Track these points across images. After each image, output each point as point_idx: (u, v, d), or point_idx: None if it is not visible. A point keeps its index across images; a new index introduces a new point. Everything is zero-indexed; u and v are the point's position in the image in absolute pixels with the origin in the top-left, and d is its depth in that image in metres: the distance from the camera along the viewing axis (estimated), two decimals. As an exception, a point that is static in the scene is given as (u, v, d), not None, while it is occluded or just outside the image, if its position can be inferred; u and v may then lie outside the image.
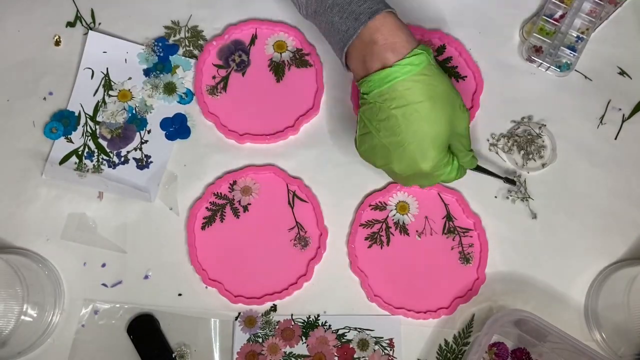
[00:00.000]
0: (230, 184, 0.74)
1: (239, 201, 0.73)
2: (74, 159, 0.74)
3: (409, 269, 0.72)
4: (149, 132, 0.75)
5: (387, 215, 0.74)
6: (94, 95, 0.76)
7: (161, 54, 0.77)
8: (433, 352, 0.70)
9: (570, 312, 0.72)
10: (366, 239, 0.73)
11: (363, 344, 0.70)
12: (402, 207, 0.74)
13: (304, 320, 0.70)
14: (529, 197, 0.72)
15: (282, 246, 0.72)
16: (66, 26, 0.78)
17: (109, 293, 0.71)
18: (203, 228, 0.73)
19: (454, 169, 0.63)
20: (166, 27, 0.78)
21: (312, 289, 0.72)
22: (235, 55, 0.77)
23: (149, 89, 0.76)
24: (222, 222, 0.73)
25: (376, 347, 0.70)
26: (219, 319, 0.70)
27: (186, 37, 0.78)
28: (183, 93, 0.76)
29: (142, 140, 0.75)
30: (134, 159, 0.74)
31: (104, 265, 0.72)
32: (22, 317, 0.64)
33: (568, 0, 0.78)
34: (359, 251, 0.72)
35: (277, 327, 0.70)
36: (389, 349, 0.70)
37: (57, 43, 0.78)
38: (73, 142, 0.74)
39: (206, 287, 0.71)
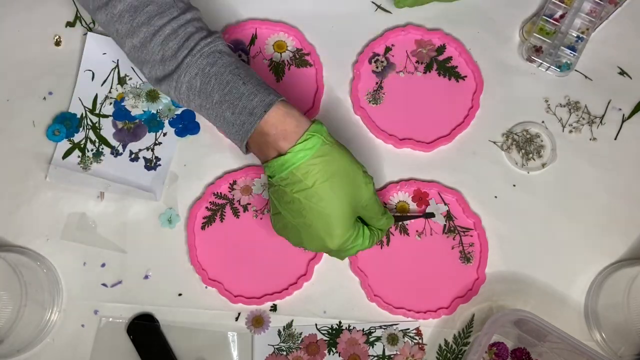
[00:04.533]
0: (230, 183, 0.74)
1: (239, 201, 0.73)
2: (77, 152, 0.74)
3: (409, 269, 0.72)
4: (164, 134, 0.75)
5: (387, 215, 0.74)
6: (102, 85, 0.76)
7: None
8: (433, 352, 0.70)
9: (570, 312, 0.72)
10: (366, 238, 0.73)
11: (393, 339, 0.70)
12: (402, 207, 0.74)
13: (328, 330, 0.70)
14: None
15: (282, 246, 0.72)
16: (66, 26, 0.78)
17: (108, 293, 0.71)
18: (203, 228, 0.73)
19: (365, 238, 0.64)
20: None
21: (312, 289, 0.72)
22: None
23: (132, 99, 0.75)
24: (222, 222, 0.73)
25: (405, 340, 0.70)
26: (236, 332, 0.70)
27: None
28: None
29: (156, 142, 0.75)
30: (144, 158, 0.74)
31: (103, 265, 0.72)
32: (21, 315, 0.64)
33: (568, 0, 0.78)
34: (358, 251, 0.72)
35: (302, 341, 0.70)
36: (417, 337, 0.70)
37: (58, 43, 0.78)
38: (76, 144, 0.75)
39: (206, 287, 0.71)
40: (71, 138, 0.74)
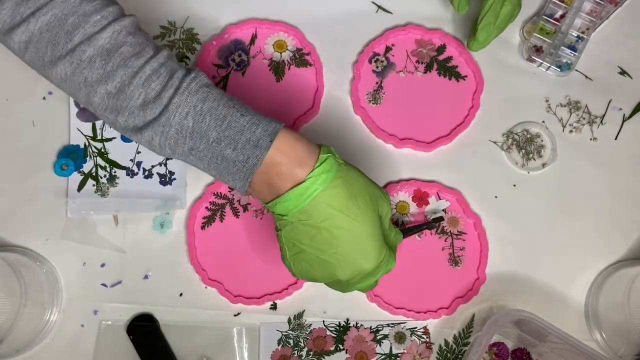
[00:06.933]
0: (230, 183, 0.74)
1: (239, 201, 0.73)
2: (91, 181, 0.73)
3: (408, 269, 0.72)
4: None
5: (387, 215, 0.74)
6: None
7: None
8: (433, 352, 0.70)
9: (570, 312, 0.72)
10: (366, 238, 0.73)
11: (400, 337, 0.70)
12: (402, 207, 0.74)
13: (336, 327, 0.70)
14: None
15: (282, 246, 0.72)
16: None
17: (108, 293, 0.71)
18: (203, 228, 0.73)
19: (392, 258, 0.59)
20: (162, 27, 0.78)
21: (312, 289, 0.71)
22: (235, 55, 0.78)
23: None
24: (222, 222, 0.73)
25: (413, 338, 0.70)
26: (244, 327, 0.70)
27: (181, 39, 0.78)
28: None
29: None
30: (158, 174, 0.74)
31: (103, 265, 0.72)
32: (20, 315, 0.64)
33: (568, 0, 0.78)
34: (359, 251, 0.72)
35: (310, 332, 0.70)
36: (425, 337, 0.70)
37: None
38: (87, 174, 0.74)
39: (206, 287, 0.71)
40: (80, 169, 0.74)
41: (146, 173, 0.74)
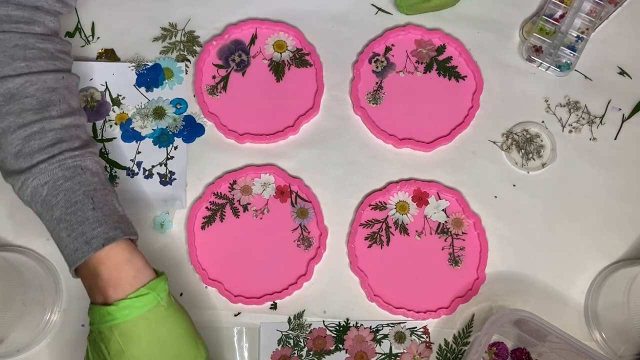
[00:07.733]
0: (230, 183, 0.74)
1: (239, 201, 0.73)
2: None
3: (408, 269, 0.72)
4: (175, 148, 0.75)
5: (387, 215, 0.74)
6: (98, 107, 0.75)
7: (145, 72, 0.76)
8: (433, 351, 0.70)
9: (570, 312, 0.72)
10: (366, 238, 0.73)
11: (400, 337, 0.70)
12: (402, 206, 0.74)
13: (336, 327, 0.70)
14: None
15: (282, 246, 0.72)
16: (65, 36, 0.78)
17: (108, 293, 0.71)
18: (203, 228, 0.73)
19: None
20: (163, 29, 0.78)
21: (312, 289, 0.72)
22: (235, 55, 0.78)
23: (140, 120, 0.75)
24: (222, 221, 0.73)
25: (413, 338, 0.70)
26: (244, 327, 0.70)
27: (181, 41, 0.78)
28: (177, 104, 0.76)
29: (168, 157, 0.74)
30: (158, 174, 0.74)
31: (103, 265, 0.71)
32: (21, 314, 0.64)
33: (568, 0, 0.78)
34: (359, 251, 0.72)
35: (310, 332, 0.70)
36: (425, 336, 0.70)
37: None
38: None
39: (206, 287, 0.71)
40: None
41: (146, 173, 0.74)
